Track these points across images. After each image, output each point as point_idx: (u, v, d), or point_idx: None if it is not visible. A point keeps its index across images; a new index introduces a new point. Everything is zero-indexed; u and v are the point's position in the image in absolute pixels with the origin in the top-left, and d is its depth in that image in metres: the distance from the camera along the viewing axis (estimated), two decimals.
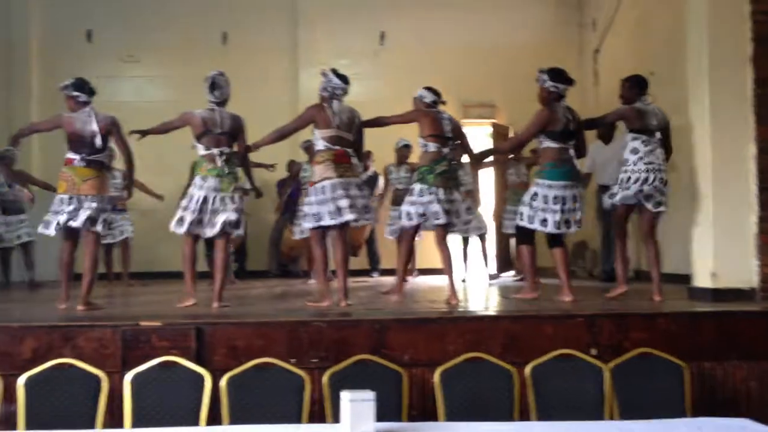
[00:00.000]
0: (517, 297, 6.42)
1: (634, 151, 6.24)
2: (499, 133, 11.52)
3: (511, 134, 11.31)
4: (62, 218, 5.88)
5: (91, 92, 6.13)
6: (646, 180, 6.18)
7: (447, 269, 6.36)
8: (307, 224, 6.20)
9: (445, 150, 6.35)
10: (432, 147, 6.35)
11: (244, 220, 6.25)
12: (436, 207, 6.26)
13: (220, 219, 6.04)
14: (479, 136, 11.24)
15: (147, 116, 11.10)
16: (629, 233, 6.66)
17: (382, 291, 6.57)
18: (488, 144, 11.40)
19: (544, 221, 6.16)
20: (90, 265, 6.02)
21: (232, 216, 6.06)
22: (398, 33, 11.98)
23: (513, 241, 9.89)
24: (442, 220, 6.27)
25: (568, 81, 6.28)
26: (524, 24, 12.16)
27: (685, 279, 6.55)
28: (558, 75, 6.26)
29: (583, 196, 6.28)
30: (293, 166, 10.56)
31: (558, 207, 6.11)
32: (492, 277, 9.74)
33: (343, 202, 5.95)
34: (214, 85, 6.18)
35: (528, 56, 11.52)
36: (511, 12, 12.09)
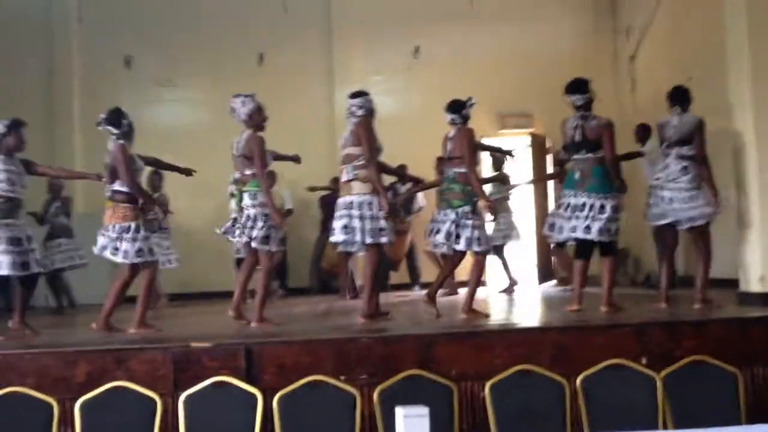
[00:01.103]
0: (564, 309, 6.36)
1: (654, 166, 6.30)
2: (537, 143, 11.48)
3: (548, 143, 11.26)
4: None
5: (115, 123, 6.03)
6: (662, 199, 6.25)
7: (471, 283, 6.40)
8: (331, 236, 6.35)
9: (447, 169, 6.36)
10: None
11: (279, 236, 6.22)
12: (431, 226, 6.38)
13: (245, 237, 6.13)
14: (517, 145, 11.18)
15: (185, 139, 11.40)
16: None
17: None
18: (527, 154, 11.36)
19: (561, 228, 6.24)
20: (144, 291, 6.11)
21: (254, 233, 6.09)
22: (432, 47, 11.99)
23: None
24: (432, 239, 6.33)
25: (579, 90, 6.24)
26: (558, 33, 12.12)
27: (733, 284, 6.46)
28: (568, 87, 6.31)
29: (604, 205, 6.09)
30: (335, 183, 10.62)
31: (564, 214, 6.18)
32: (507, 290, 9.62)
33: (342, 221, 6.04)
34: (233, 110, 6.32)
35: (563, 65, 11.48)
36: (545, 21, 12.06)
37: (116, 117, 6.06)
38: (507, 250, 9.69)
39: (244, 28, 12.00)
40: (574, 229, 6.12)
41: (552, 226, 6.34)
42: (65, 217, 9.44)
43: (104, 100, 11.15)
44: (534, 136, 11.63)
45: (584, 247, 6.25)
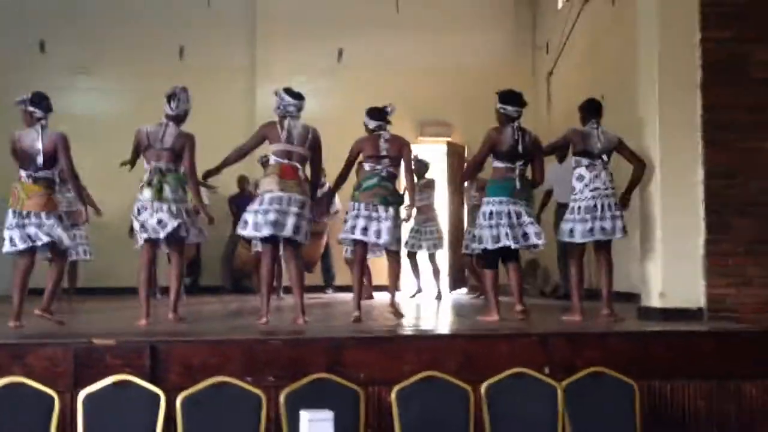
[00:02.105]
0: (481, 319, 6.42)
1: (580, 178, 6.37)
2: (454, 151, 11.64)
3: (466, 153, 11.44)
4: (13, 236, 5.78)
5: (47, 108, 5.94)
6: (592, 208, 6.28)
7: (356, 286, 6.41)
8: (240, 229, 6.20)
9: (379, 167, 6.36)
10: (366, 166, 6.41)
11: (194, 229, 6.17)
12: (355, 222, 6.30)
13: (164, 226, 6.02)
14: (435, 153, 11.32)
15: (100, 129, 11.14)
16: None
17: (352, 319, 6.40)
18: (443, 161, 11.52)
19: (496, 237, 6.22)
20: (55, 278, 5.97)
21: (172, 222, 6.01)
22: (356, 51, 12.04)
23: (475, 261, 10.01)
24: (358, 236, 6.28)
25: (517, 103, 6.34)
26: (481, 45, 12.33)
27: (635, 298, 6.68)
28: (507, 97, 6.37)
29: (531, 214, 6.32)
30: (243, 182, 10.54)
31: (498, 222, 6.21)
32: (438, 296, 9.72)
33: (271, 216, 5.92)
34: (171, 97, 6.15)
35: (483, 77, 11.70)
36: (467, 33, 12.25)
37: (42, 100, 5.96)
38: (436, 258, 9.81)
39: (165, 19, 11.79)
40: (526, 237, 6.22)
41: (497, 237, 6.24)
42: None
43: (15, 84, 10.82)
44: (451, 144, 11.79)
45: (494, 257, 6.36)
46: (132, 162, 6.38)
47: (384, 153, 6.37)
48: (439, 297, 9.63)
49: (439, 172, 11.08)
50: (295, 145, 6.11)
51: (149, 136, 6.13)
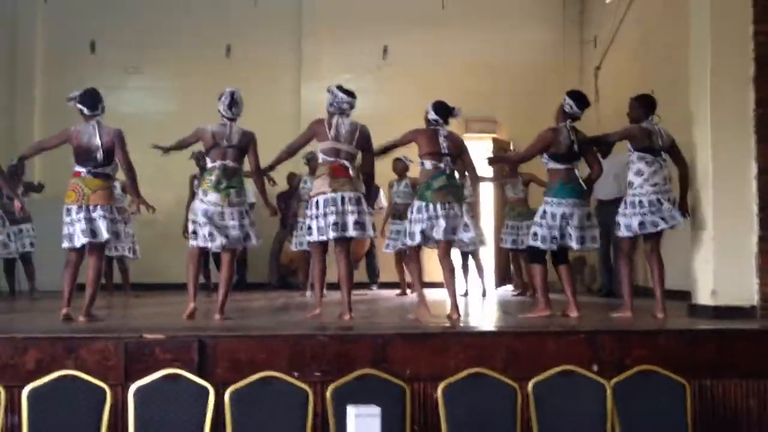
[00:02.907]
0: (531, 316, 6.34)
1: (639, 172, 6.25)
2: (500, 147, 11.57)
3: (512, 148, 11.36)
4: (81, 231, 5.89)
5: (93, 106, 6.05)
6: (655, 202, 6.22)
7: (449, 284, 6.29)
8: (307, 237, 6.36)
9: (442, 165, 6.31)
10: (428, 164, 6.30)
11: (255, 231, 6.24)
12: (434, 222, 6.20)
13: (223, 234, 6.07)
14: (480, 150, 11.27)
15: (150, 127, 11.24)
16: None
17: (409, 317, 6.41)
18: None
19: (554, 238, 6.23)
20: (93, 277, 6.04)
21: (234, 232, 6.10)
22: (401, 48, 12.04)
23: (512, 256, 9.93)
24: (440, 236, 6.19)
25: (586, 104, 6.38)
26: (526, 41, 12.25)
27: (685, 296, 6.56)
28: (578, 97, 6.39)
29: (592, 215, 6.39)
30: (293, 179, 10.59)
31: (563, 223, 6.21)
32: (484, 292, 9.67)
33: (331, 219, 6.00)
34: (234, 102, 6.22)
35: (530, 73, 11.65)
36: (514, 29, 12.17)
37: (93, 99, 6.08)
38: (480, 255, 9.75)
39: (212, 18, 11.94)
40: (588, 239, 6.31)
41: (563, 236, 6.28)
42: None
43: (67, 83, 11.01)
44: (496, 140, 11.72)
45: (542, 252, 6.34)
46: (169, 149, 6.41)
47: (445, 150, 6.31)
48: (484, 294, 9.58)
49: (484, 168, 10.99)
50: (343, 142, 6.11)
51: (215, 135, 6.19)
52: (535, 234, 6.32)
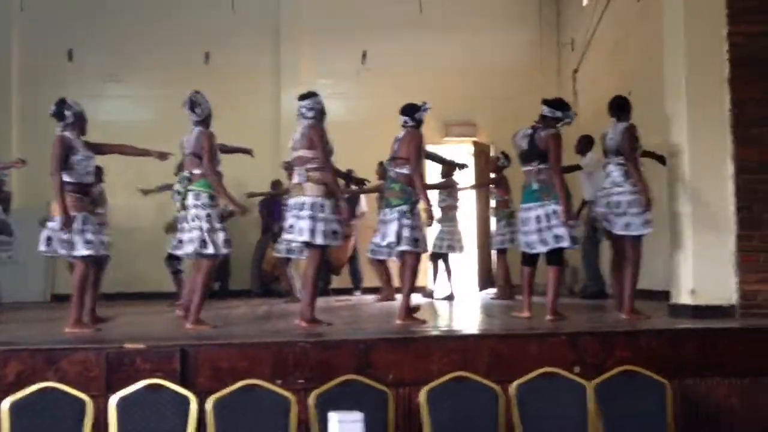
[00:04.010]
0: (513, 315, 6.50)
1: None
2: (480, 151, 11.61)
3: (491, 152, 11.40)
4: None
5: (59, 115, 5.93)
6: (610, 206, 6.33)
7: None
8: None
9: (390, 169, 6.33)
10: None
11: (217, 238, 6.10)
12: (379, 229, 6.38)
13: (184, 239, 6.08)
14: (461, 153, 11.31)
15: (129, 136, 11.02)
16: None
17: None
18: (469, 161, 11.47)
19: (526, 244, 6.37)
20: (75, 287, 5.97)
21: (188, 236, 6.04)
22: (380, 53, 12.07)
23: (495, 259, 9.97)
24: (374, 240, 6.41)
25: (550, 104, 6.37)
26: (505, 44, 12.31)
27: (665, 296, 6.61)
28: (546, 100, 6.43)
29: (559, 213, 6.17)
30: (276, 186, 10.58)
31: (527, 228, 6.27)
32: (449, 297, 9.61)
33: (289, 221, 6.01)
34: (193, 104, 6.13)
35: (508, 76, 11.71)
36: (491, 32, 12.23)
37: (59, 108, 5.96)
38: (451, 259, 9.74)
39: (191, 25, 11.91)
40: (556, 239, 6.18)
41: (529, 243, 6.32)
42: (3, 213, 9.17)
43: (45, 92, 10.95)
44: (477, 144, 11.76)
45: (530, 255, 6.38)
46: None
47: (394, 154, 6.31)
48: (451, 298, 9.57)
49: (465, 172, 11.01)
50: (299, 148, 6.10)
51: (181, 144, 6.24)
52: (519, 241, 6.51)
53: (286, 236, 6.19)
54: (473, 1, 12.28)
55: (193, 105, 6.13)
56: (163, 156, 6.41)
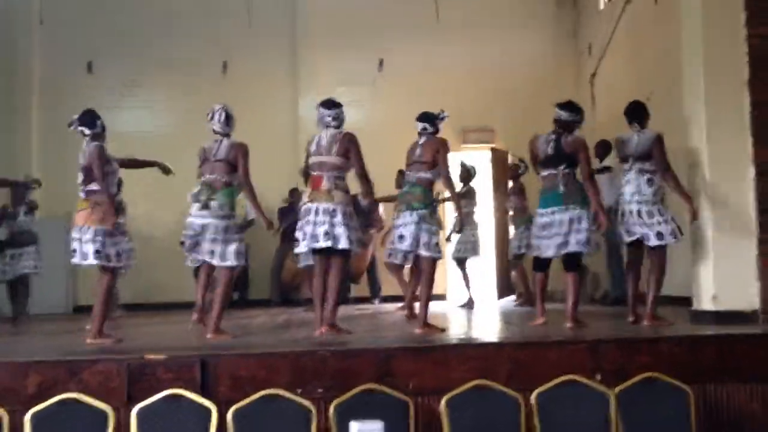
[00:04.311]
0: (531, 324, 6.43)
1: (625, 183, 6.37)
2: (498, 157, 11.59)
3: (509, 159, 11.37)
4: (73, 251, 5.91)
5: (89, 125, 6.02)
6: (627, 213, 6.27)
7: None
8: (295, 249, 6.32)
9: (410, 173, 6.32)
10: (405, 175, 6.45)
11: (241, 250, 6.14)
12: (393, 232, 6.40)
13: (204, 249, 6.07)
14: (479, 160, 11.29)
15: (148, 145, 11.28)
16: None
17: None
18: (486, 168, 11.46)
19: (538, 248, 6.31)
20: (99, 298, 5.99)
21: (209, 246, 6.03)
22: (397, 60, 12.10)
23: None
24: (391, 245, 6.38)
25: (567, 108, 6.32)
26: (522, 50, 12.30)
27: (687, 302, 6.55)
28: (561, 103, 6.37)
29: (582, 218, 6.14)
30: (294, 194, 10.59)
31: (549, 233, 6.18)
32: (468, 304, 9.57)
33: (308, 228, 5.96)
34: (229, 117, 6.25)
35: (525, 82, 11.68)
36: (509, 38, 12.22)
37: (90, 118, 6.05)
38: (469, 265, 9.71)
39: (208, 35, 11.99)
40: (566, 244, 6.13)
41: (546, 246, 6.24)
42: (32, 223, 9.25)
43: (65, 103, 11.10)
44: (495, 150, 11.73)
45: (544, 261, 6.34)
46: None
47: (417, 159, 6.31)
48: (470, 305, 9.53)
49: (482, 178, 11.01)
50: (325, 154, 6.09)
51: (206, 151, 6.23)
52: (534, 245, 6.44)
53: (319, 244, 5.96)
54: (489, 7, 12.27)
55: (228, 119, 6.22)
56: (167, 171, 6.60)
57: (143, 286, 10.53)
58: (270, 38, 12.18)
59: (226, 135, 6.24)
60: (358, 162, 6.12)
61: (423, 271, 6.28)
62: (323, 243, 5.92)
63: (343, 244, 5.91)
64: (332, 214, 5.94)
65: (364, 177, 6.21)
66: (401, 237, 6.20)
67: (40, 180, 9.51)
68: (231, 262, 6.03)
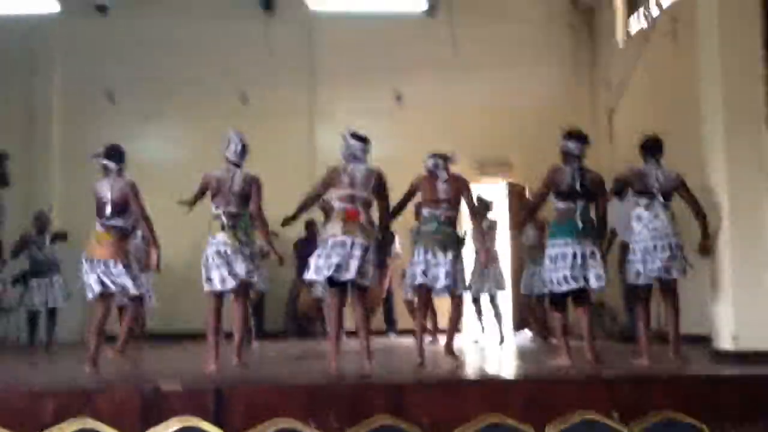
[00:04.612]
0: (551, 363, 6.31)
1: (638, 218, 6.31)
2: (514, 190, 11.58)
3: (527, 192, 11.36)
4: (91, 283, 6.01)
5: (119, 159, 6.25)
6: (651, 249, 6.19)
7: (418, 329, 6.50)
8: (305, 273, 6.14)
9: (437, 212, 6.40)
10: (425, 212, 6.49)
11: (260, 276, 6.24)
12: (417, 268, 6.40)
13: (233, 274, 6.08)
14: (495, 193, 11.29)
15: (168, 175, 11.40)
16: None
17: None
18: (503, 201, 11.46)
19: (559, 280, 6.16)
20: (125, 326, 6.16)
21: (241, 271, 6.08)
22: (414, 93, 12.16)
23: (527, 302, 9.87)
24: (418, 281, 6.38)
25: (579, 139, 6.29)
26: (539, 83, 12.34)
27: (704, 340, 6.48)
28: (569, 134, 6.33)
29: (596, 253, 6.13)
30: (311, 227, 10.61)
31: (562, 264, 6.11)
32: (502, 339, 9.53)
33: (334, 259, 5.88)
34: (245, 148, 6.31)
35: (542, 115, 11.69)
36: (525, 72, 12.26)
37: (119, 153, 6.31)
38: (500, 299, 9.66)
39: (227, 66, 12.10)
40: (586, 279, 6.08)
41: (561, 279, 6.16)
42: (56, 251, 9.31)
43: (85, 133, 11.23)
44: (512, 185, 11.73)
45: (562, 299, 6.27)
46: (191, 203, 6.46)
47: (442, 196, 6.37)
48: (501, 341, 9.45)
49: (499, 211, 11.00)
50: (358, 189, 6.11)
51: (219, 181, 6.23)
52: (545, 280, 6.35)
53: (329, 273, 5.92)
54: (507, 40, 12.34)
55: (244, 150, 6.31)
56: (157, 264, 6.58)
57: (162, 315, 10.54)
58: (289, 70, 12.28)
59: (238, 165, 6.29)
60: (388, 199, 6.23)
61: (458, 306, 6.60)
62: (353, 276, 5.89)
63: (368, 281, 6.00)
64: (366, 250, 5.94)
65: (391, 213, 6.32)
66: (433, 277, 6.31)
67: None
68: (261, 286, 6.15)
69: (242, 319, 6.24)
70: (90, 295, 6.09)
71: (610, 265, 7.01)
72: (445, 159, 6.52)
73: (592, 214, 6.26)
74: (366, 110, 11.93)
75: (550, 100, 12.21)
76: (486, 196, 9.85)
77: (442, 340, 8.93)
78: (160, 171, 11.37)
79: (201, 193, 6.42)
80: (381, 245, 6.17)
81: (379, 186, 6.16)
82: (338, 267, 5.87)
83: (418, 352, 6.28)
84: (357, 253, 5.89)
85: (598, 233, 6.23)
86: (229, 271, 6.06)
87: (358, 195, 6.08)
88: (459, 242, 6.45)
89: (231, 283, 6.07)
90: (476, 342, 9.55)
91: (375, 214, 6.24)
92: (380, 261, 6.39)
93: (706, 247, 6.26)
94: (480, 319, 9.76)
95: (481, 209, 9.60)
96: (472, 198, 6.53)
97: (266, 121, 11.55)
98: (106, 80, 11.96)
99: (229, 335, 7.92)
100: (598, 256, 6.13)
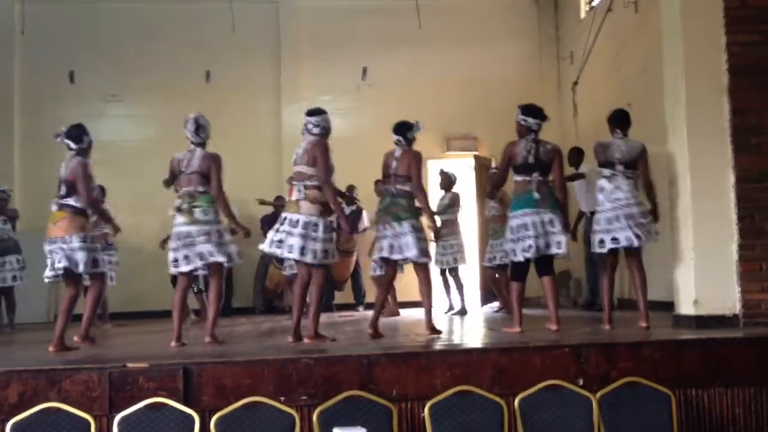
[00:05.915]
0: (504, 331, 6.45)
1: (601, 189, 6.42)
2: (481, 164, 11.63)
3: (493, 165, 11.41)
4: (51, 263, 5.93)
5: (77, 140, 6.13)
6: (613, 219, 6.29)
7: (377, 301, 6.59)
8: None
9: (390, 187, 6.40)
10: (383, 188, 6.52)
11: (232, 250, 6.20)
12: (378, 244, 6.45)
13: (196, 254, 6.07)
14: (462, 167, 11.34)
15: (130, 155, 11.31)
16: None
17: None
18: (470, 175, 11.51)
19: (520, 249, 6.25)
20: (90, 304, 6.08)
21: (203, 248, 6.06)
22: (380, 68, 12.13)
23: (489, 274, 9.94)
24: (380, 254, 6.41)
25: (538, 116, 6.35)
26: (504, 58, 12.37)
27: (669, 306, 6.60)
28: (528, 109, 6.37)
29: (555, 221, 6.21)
30: (278, 201, 10.58)
31: (524, 234, 6.19)
32: (461, 311, 9.59)
33: (275, 236, 6.02)
34: (199, 127, 6.24)
35: (509, 89, 11.73)
36: (490, 46, 12.29)
37: (78, 132, 6.16)
38: (459, 272, 9.70)
39: (191, 45, 11.98)
40: (548, 246, 6.17)
41: (522, 249, 6.24)
42: (12, 232, 9.19)
43: (46, 114, 11.06)
44: (478, 158, 11.78)
45: (522, 269, 6.35)
46: (167, 183, 6.44)
47: (394, 171, 6.39)
48: (463, 312, 9.53)
49: (466, 185, 11.05)
50: (300, 163, 6.13)
51: (180, 162, 6.24)
52: (507, 251, 6.44)
53: (270, 250, 6.13)
54: (472, 15, 12.34)
55: (198, 128, 6.21)
56: (115, 230, 7.13)
57: (130, 294, 10.49)
58: (254, 47, 12.19)
59: (200, 144, 6.24)
60: (322, 170, 6.05)
61: (422, 277, 6.45)
62: (276, 250, 6.05)
63: (294, 254, 5.98)
64: (295, 224, 5.99)
65: (327, 184, 6.09)
66: (398, 248, 6.28)
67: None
68: (227, 258, 6.12)
69: (216, 298, 6.24)
70: (50, 274, 5.99)
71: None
72: (403, 133, 6.46)
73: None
74: (332, 86, 11.93)
75: (516, 75, 12.26)
76: (450, 170, 9.88)
77: (406, 312, 9.02)
78: (122, 150, 11.28)
79: (172, 176, 6.37)
80: (345, 220, 6.20)
81: (313, 156, 6.08)
82: (279, 243, 6.03)
83: (370, 322, 6.35)
84: (296, 230, 5.97)
85: (556, 203, 6.29)
86: (191, 251, 6.06)
87: (299, 170, 6.12)
88: (415, 212, 6.37)
89: (197, 262, 6.06)
90: (447, 314, 9.62)
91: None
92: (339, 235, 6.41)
93: (656, 216, 6.42)
94: (448, 291, 9.82)
95: (444, 183, 9.65)
96: (419, 173, 6.39)
97: (231, 100, 11.49)
98: (68, 60, 11.76)
99: (196, 312, 7.93)
100: (557, 223, 6.20)
